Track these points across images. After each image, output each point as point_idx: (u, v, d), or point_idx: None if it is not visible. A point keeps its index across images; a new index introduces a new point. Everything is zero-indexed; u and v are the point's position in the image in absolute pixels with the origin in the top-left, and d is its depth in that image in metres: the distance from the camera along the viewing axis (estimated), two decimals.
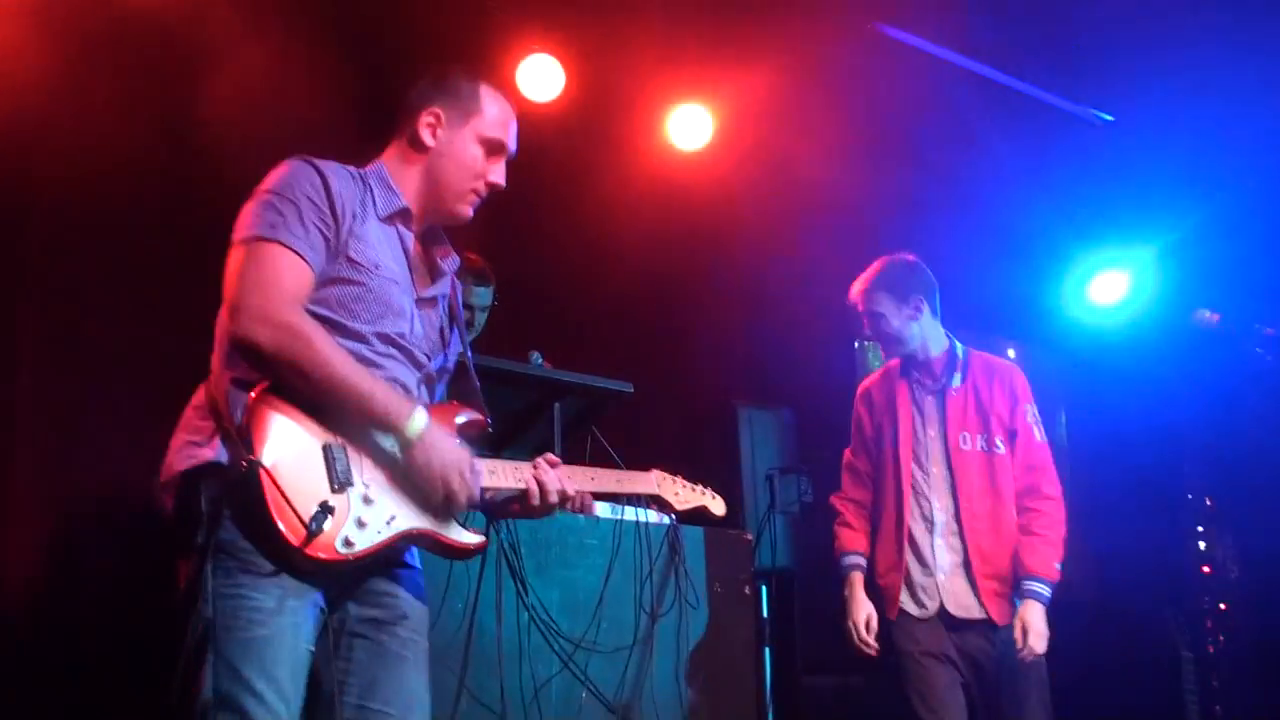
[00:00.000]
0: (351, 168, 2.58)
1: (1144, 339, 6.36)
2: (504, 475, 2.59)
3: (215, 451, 2.28)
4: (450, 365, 2.78)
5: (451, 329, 2.77)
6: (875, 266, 4.09)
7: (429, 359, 2.64)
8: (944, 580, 3.83)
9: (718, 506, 3.13)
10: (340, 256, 2.45)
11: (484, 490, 2.54)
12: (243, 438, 2.23)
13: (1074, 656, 4.42)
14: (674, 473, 3.07)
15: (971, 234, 6.78)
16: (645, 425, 4.99)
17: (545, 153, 5.89)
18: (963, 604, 3.82)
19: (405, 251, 2.61)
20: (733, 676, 3.88)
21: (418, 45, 5.26)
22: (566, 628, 3.53)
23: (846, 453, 4.15)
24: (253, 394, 2.28)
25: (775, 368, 6.73)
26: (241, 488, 2.21)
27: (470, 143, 2.65)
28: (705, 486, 3.11)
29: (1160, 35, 5.33)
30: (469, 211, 2.70)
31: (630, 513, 3.75)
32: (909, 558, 3.88)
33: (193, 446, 2.31)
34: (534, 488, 2.60)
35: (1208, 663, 6.48)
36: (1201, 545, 6.86)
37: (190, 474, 2.28)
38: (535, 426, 3.93)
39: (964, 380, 3.97)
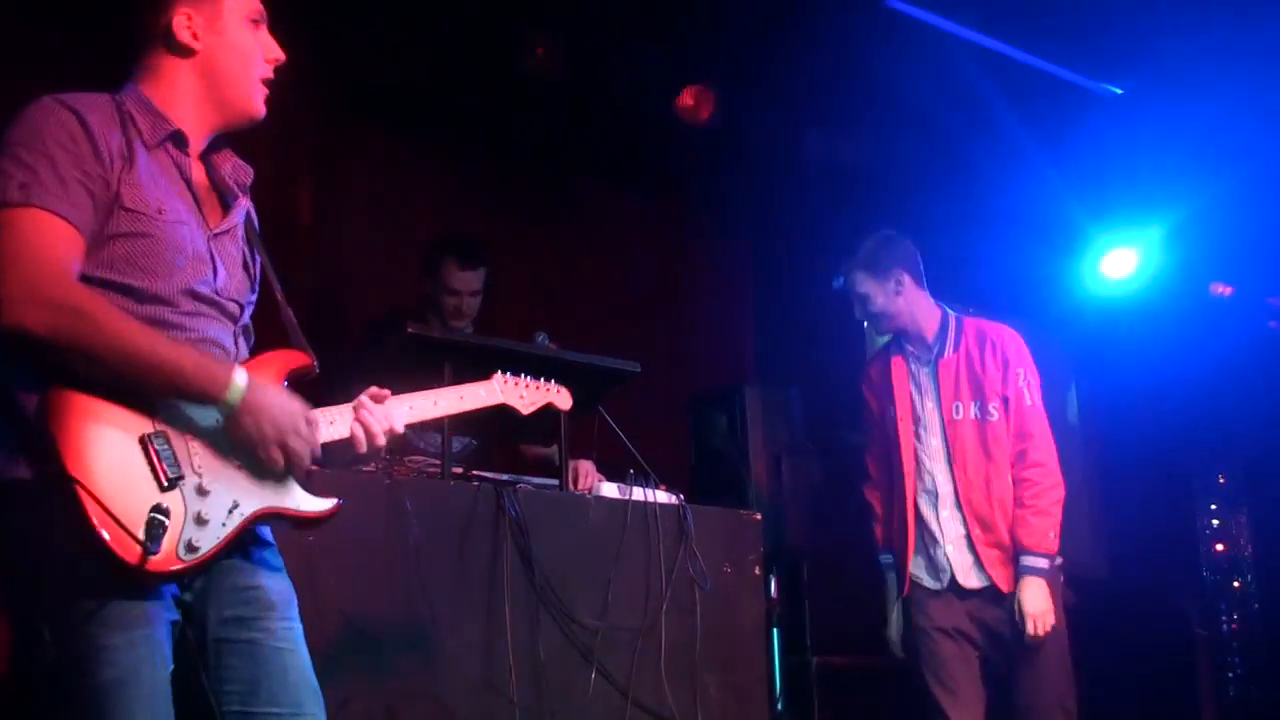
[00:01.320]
0: (107, 96, 2.21)
1: (1156, 314, 6.32)
2: (342, 423, 2.30)
3: (18, 467, 1.95)
4: (253, 299, 2.41)
5: (254, 259, 2.40)
6: (859, 248, 4.09)
7: (241, 306, 2.31)
8: (951, 552, 3.83)
9: (563, 400, 2.93)
10: (115, 208, 2.10)
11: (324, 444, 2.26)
12: (47, 445, 1.91)
13: (1086, 634, 4.38)
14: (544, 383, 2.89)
15: (981, 210, 6.74)
16: (652, 405, 4.95)
17: (547, 130, 5.86)
18: (970, 574, 3.83)
19: (187, 182, 2.25)
20: (742, 657, 3.85)
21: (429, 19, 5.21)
22: (575, 610, 3.49)
23: (867, 448, 4.19)
24: (50, 390, 1.95)
25: (784, 347, 6.71)
26: (56, 507, 1.89)
27: (238, 27, 2.29)
28: (549, 380, 2.90)
29: (1172, 6, 5.27)
30: (262, 107, 2.32)
31: (638, 493, 3.71)
32: (918, 532, 3.90)
33: None
34: (359, 433, 2.30)
35: (1221, 640, 6.45)
36: (1215, 522, 6.84)
37: None
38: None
39: (956, 349, 3.96)
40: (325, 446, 2.26)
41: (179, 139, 2.26)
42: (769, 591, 4.41)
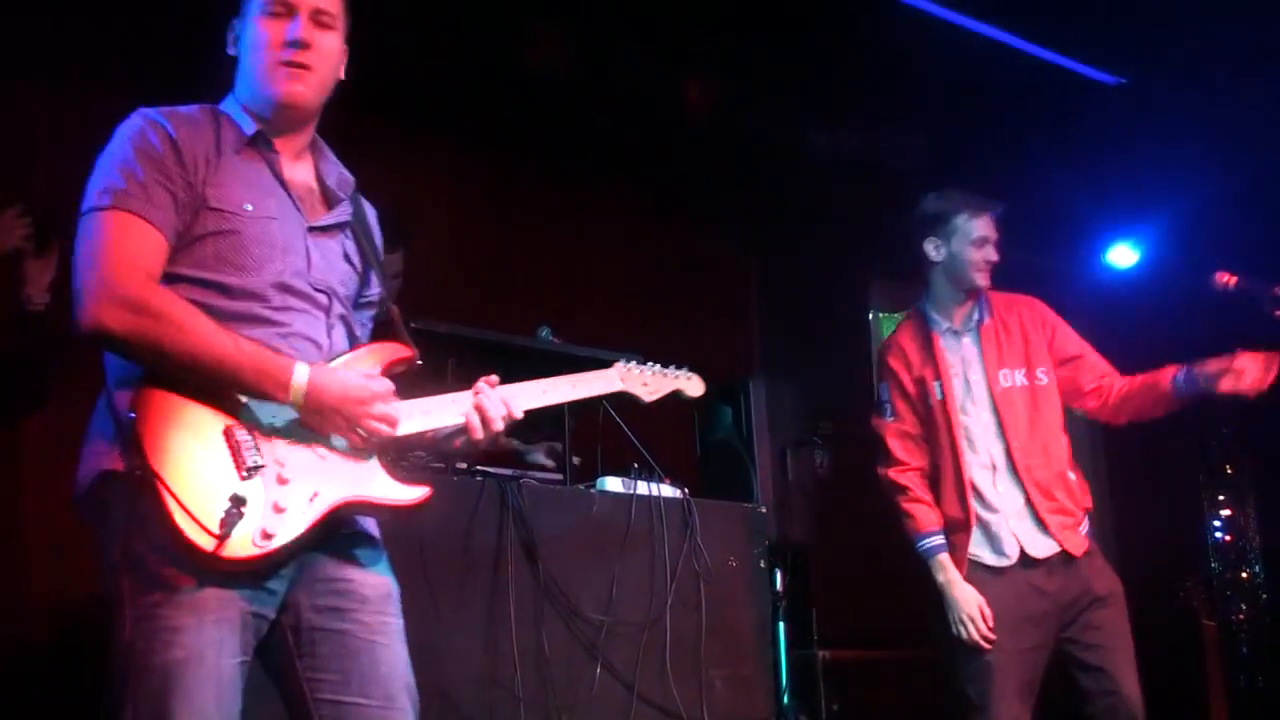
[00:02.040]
0: (204, 107, 2.34)
1: (1161, 304, 6.30)
2: (441, 412, 2.35)
3: (113, 459, 2.08)
4: (374, 295, 2.54)
5: (364, 256, 2.49)
6: (973, 195, 3.96)
7: (337, 297, 2.38)
8: (1014, 523, 3.65)
9: (694, 387, 2.88)
10: (202, 209, 2.20)
11: (424, 433, 2.34)
12: (134, 440, 2.02)
13: None
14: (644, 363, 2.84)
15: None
16: (657, 400, 4.94)
17: (551, 124, 5.84)
18: (1037, 543, 3.64)
19: (280, 179, 2.34)
20: (748, 651, 3.85)
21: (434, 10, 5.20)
22: (581, 604, 3.49)
23: (885, 423, 3.87)
24: (141, 388, 2.07)
25: (789, 341, 6.70)
26: (143, 496, 2.01)
27: (254, 25, 2.33)
28: (679, 367, 2.87)
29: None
30: (288, 85, 2.32)
31: (643, 487, 3.71)
32: (976, 508, 3.69)
33: (95, 457, 2.12)
34: (474, 420, 2.36)
35: (1230, 631, 6.44)
36: (1223, 513, 6.82)
37: (95, 486, 2.11)
38: None
39: (992, 316, 3.85)
40: (437, 433, 2.36)
41: (260, 139, 2.34)
42: (774, 585, 4.39)
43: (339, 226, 2.43)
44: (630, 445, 3.74)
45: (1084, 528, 3.69)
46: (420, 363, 2.43)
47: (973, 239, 3.82)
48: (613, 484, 3.71)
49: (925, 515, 3.75)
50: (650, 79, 5.83)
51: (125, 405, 2.07)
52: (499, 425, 2.38)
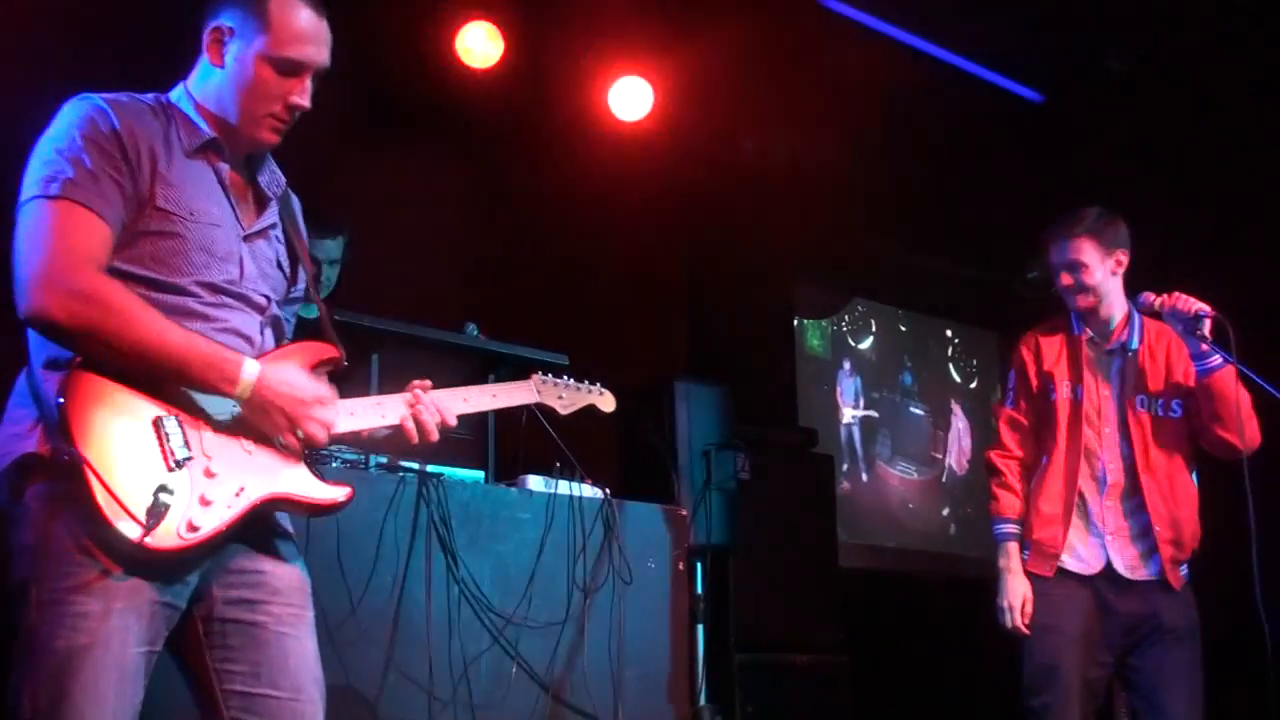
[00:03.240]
0: (151, 97, 2.32)
1: None
2: (366, 415, 2.37)
3: (36, 443, 2.06)
4: (299, 292, 2.53)
5: (291, 258, 2.49)
6: (1082, 214, 3.83)
7: (270, 299, 2.39)
8: (1110, 541, 3.66)
9: (607, 403, 2.93)
10: (148, 207, 2.19)
11: (353, 434, 2.36)
12: (62, 425, 2.00)
13: None
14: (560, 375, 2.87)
15: (919, 212, 6.80)
16: None
17: (483, 121, 5.82)
18: (1133, 566, 3.66)
19: (223, 186, 2.33)
20: (665, 652, 3.85)
21: (354, 13, 5.15)
22: (498, 602, 3.48)
23: (1005, 409, 3.93)
24: (70, 373, 2.05)
25: (712, 343, 6.72)
26: (66, 481, 2.00)
27: (259, 64, 2.30)
28: (593, 383, 2.90)
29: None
30: (271, 136, 2.36)
31: (564, 486, 3.70)
32: (1077, 517, 3.70)
33: (14, 439, 2.09)
34: (411, 427, 2.39)
35: None
36: None
37: (12, 469, 2.08)
38: None
39: (1141, 342, 3.85)
40: (372, 437, 2.39)
41: (215, 146, 2.33)
42: (694, 587, 4.40)
43: (269, 228, 2.44)
44: (553, 444, 3.73)
45: (1185, 568, 3.71)
46: (345, 361, 2.43)
47: (1056, 269, 3.86)
48: (534, 483, 3.70)
49: (1009, 502, 3.81)
50: (582, 78, 5.84)
51: (53, 389, 2.05)
52: (435, 435, 2.42)
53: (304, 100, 2.36)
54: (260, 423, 2.20)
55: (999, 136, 6.33)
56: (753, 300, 6.96)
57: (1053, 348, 3.88)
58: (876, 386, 7.79)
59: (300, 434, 2.23)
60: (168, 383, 2.12)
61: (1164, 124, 6.05)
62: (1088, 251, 3.78)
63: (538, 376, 2.79)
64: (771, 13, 5.46)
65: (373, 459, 3.42)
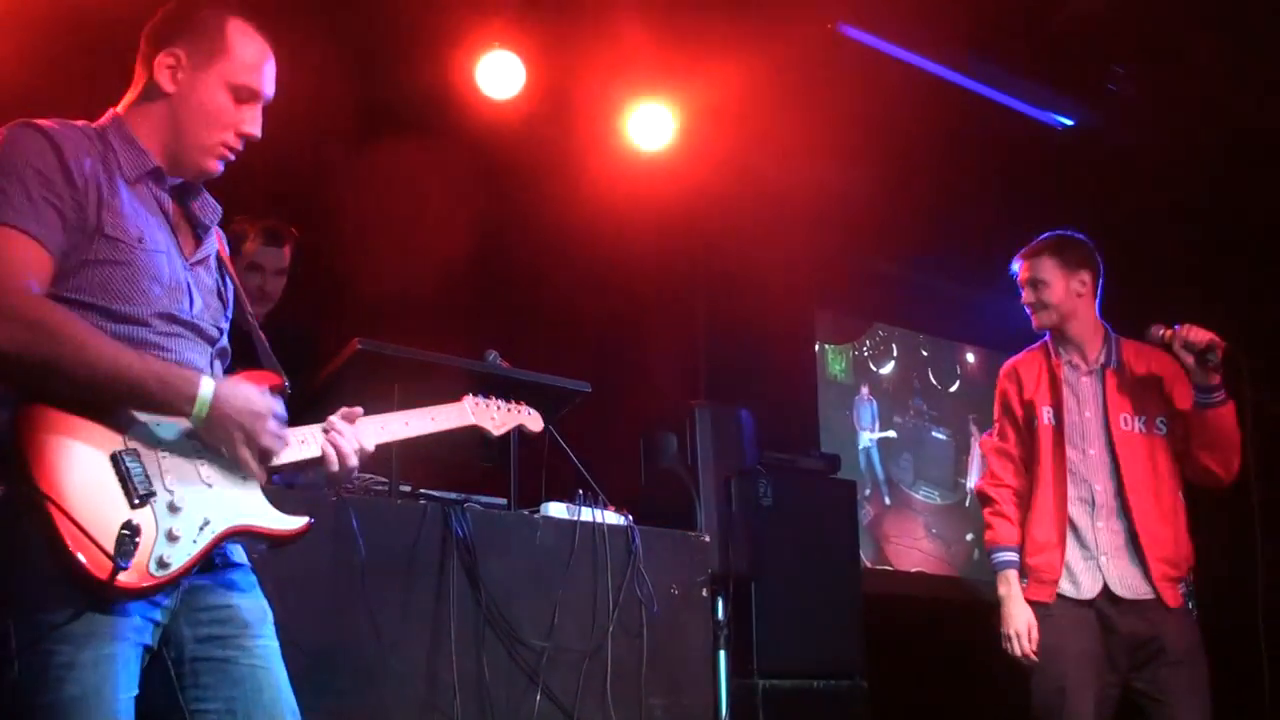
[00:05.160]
0: (86, 125, 2.25)
1: None
2: (313, 443, 2.33)
3: None
4: (227, 320, 2.45)
5: (226, 286, 2.45)
6: (1046, 236, 3.94)
7: (221, 330, 2.36)
8: (1105, 562, 3.67)
9: (534, 423, 2.94)
10: (95, 235, 2.13)
11: (295, 463, 2.31)
12: (19, 463, 1.92)
13: None
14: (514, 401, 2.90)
15: (939, 238, 6.80)
16: (602, 425, 4.95)
17: (504, 149, 5.86)
18: (1130, 585, 3.66)
19: (164, 214, 2.29)
20: (689, 680, 3.84)
21: (375, 41, 5.20)
22: (522, 630, 3.48)
23: (991, 438, 3.98)
24: (21, 407, 1.97)
25: (734, 369, 6.72)
26: (27, 524, 1.91)
27: (217, 90, 2.29)
28: (519, 403, 2.92)
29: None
30: (217, 166, 2.34)
31: (587, 513, 3.70)
32: (1070, 540, 3.72)
33: None
34: (329, 453, 2.32)
35: None
36: None
37: None
38: None
39: (1120, 361, 3.86)
40: (299, 465, 2.31)
41: (157, 175, 2.29)
42: (717, 614, 4.40)
43: (208, 256, 2.41)
44: (575, 471, 3.74)
45: (1183, 585, 3.71)
46: (289, 388, 2.38)
47: (1021, 286, 3.94)
48: (557, 510, 3.71)
49: (1004, 529, 3.83)
50: (599, 105, 5.87)
51: (4, 424, 1.97)
52: (353, 460, 2.36)
53: (255, 129, 2.35)
54: (217, 439, 2.15)
55: (1020, 162, 6.33)
56: (774, 326, 6.96)
57: (1032, 375, 3.92)
58: (898, 410, 7.77)
59: (255, 449, 2.17)
60: (123, 408, 2.06)
61: (1183, 150, 6.05)
62: (1048, 269, 3.86)
63: (469, 398, 2.77)
64: (791, 41, 5.48)
65: (399, 487, 3.44)
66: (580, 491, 3.74)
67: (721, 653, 4.49)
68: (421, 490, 3.58)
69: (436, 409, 2.67)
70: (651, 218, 6.34)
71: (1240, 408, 3.64)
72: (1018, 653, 3.69)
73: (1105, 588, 3.67)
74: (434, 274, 5.72)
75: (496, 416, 2.83)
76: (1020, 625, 3.70)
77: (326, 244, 5.09)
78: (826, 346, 7.50)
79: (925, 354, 8.04)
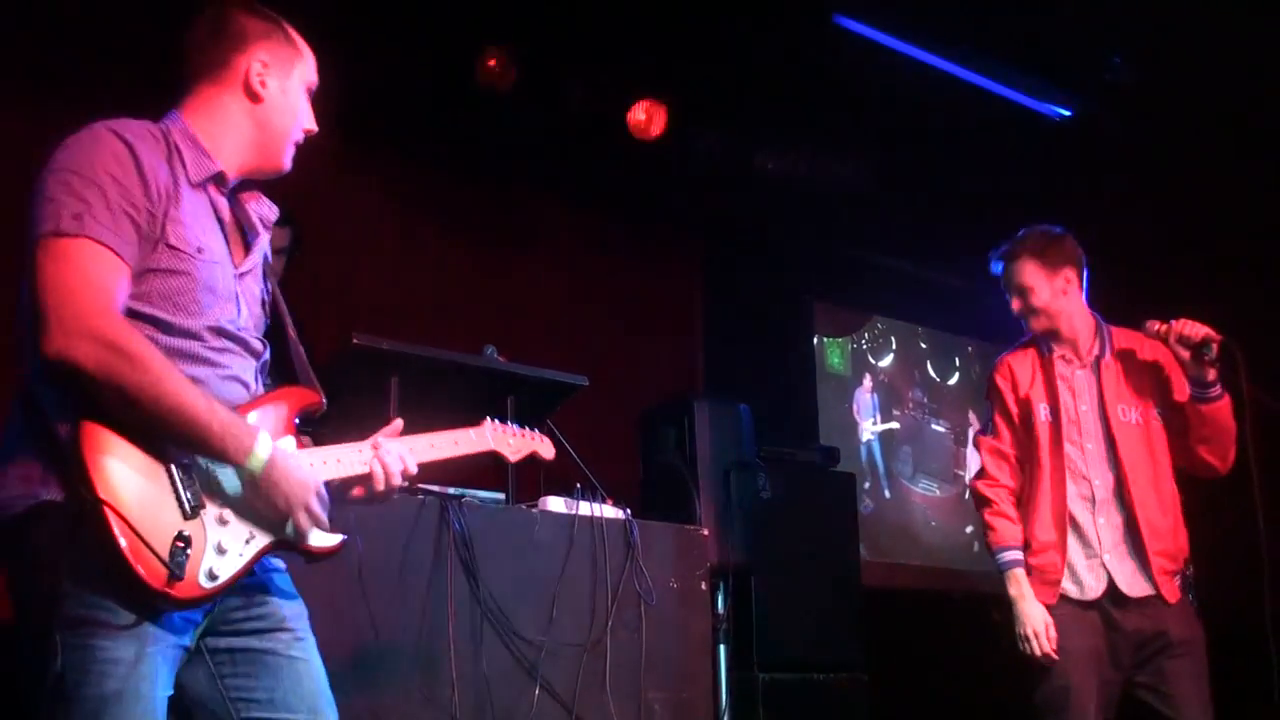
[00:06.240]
0: (155, 127, 2.24)
1: None
2: (349, 462, 2.36)
3: (48, 489, 2.00)
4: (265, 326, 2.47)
5: (268, 295, 2.46)
6: (1022, 236, 3.85)
7: (264, 344, 2.37)
8: (1109, 559, 3.62)
9: (546, 449, 2.98)
10: (159, 244, 2.14)
11: (329, 482, 2.32)
12: (79, 470, 1.96)
13: None
14: (522, 425, 2.93)
15: (937, 230, 6.79)
16: (601, 419, 4.95)
17: (498, 143, 5.84)
18: (1131, 581, 3.62)
19: (219, 220, 2.30)
20: (688, 674, 3.84)
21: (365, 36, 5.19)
22: (520, 624, 3.47)
23: (987, 439, 3.91)
24: (86, 417, 2.00)
25: (734, 363, 6.72)
26: (86, 529, 1.96)
27: (299, 91, 2.39)
28: (533, 429, 2.97)
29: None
30: (288, 164, 2.41)
31: (585, 507, 3.70)
32: (1072, 539, 3.67)
33: (22, 483, 2.02)
34: (377, 470, 2.37)
35: None
36: None
37: (23, 515, 2.01)
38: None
39: (1113, 352, 3.83)
40: (340, 483, 2.35)
41: (221, 179, 2.30)
42: (716, 607, 4.39)
43: (257, 264, 2.42)
44: (573, 465, 3.73)
45: (1179, 578, 3.68)
46: (325, 406, 2.42)
47: (1005, 293, 3.89)
48: (555, 504, 3.70)
49: (1006, 529, 3.76)
50: (597, 101, 5.86)
51: (67, 433, 2.00)
52: (398, 481, 2.40)
53: (315, 124, 2.43)
54: (258, 500, 2.17)
55: (1019, 153, 6.32)
56: (772, 319, 6.95)
57: (1026, 371, 3.86)
58: (897, 404, 7.77)
59: (296, 524, 2.21)
60: (177, 445, 2.09)
61: (1182, 141, 6.04)
62: (1030, 274, 3.78)
63: (489, 423, 2.82)
64: (789, 32, 5.47)
65: None
66: (578, 485, 3.73)
67: (721, 646, 4.49)
68: (419, 485, 3.57)
69: (459, 433, 2.72)
70: (649, 209, 6.34)
71: (1238, 401, 3.62)
72: (1037, 653, 3.62)
73: (1109, 587, 3.64)
74: (431, 267, 5.73)
75: (513, 442, 2.88)
76: (1037, 624, 3.63)
77: None
78: (825, 339, 7.50)
79: (924, 346, 8.03)
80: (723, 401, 5.06)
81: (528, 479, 3.83)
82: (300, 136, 2.42)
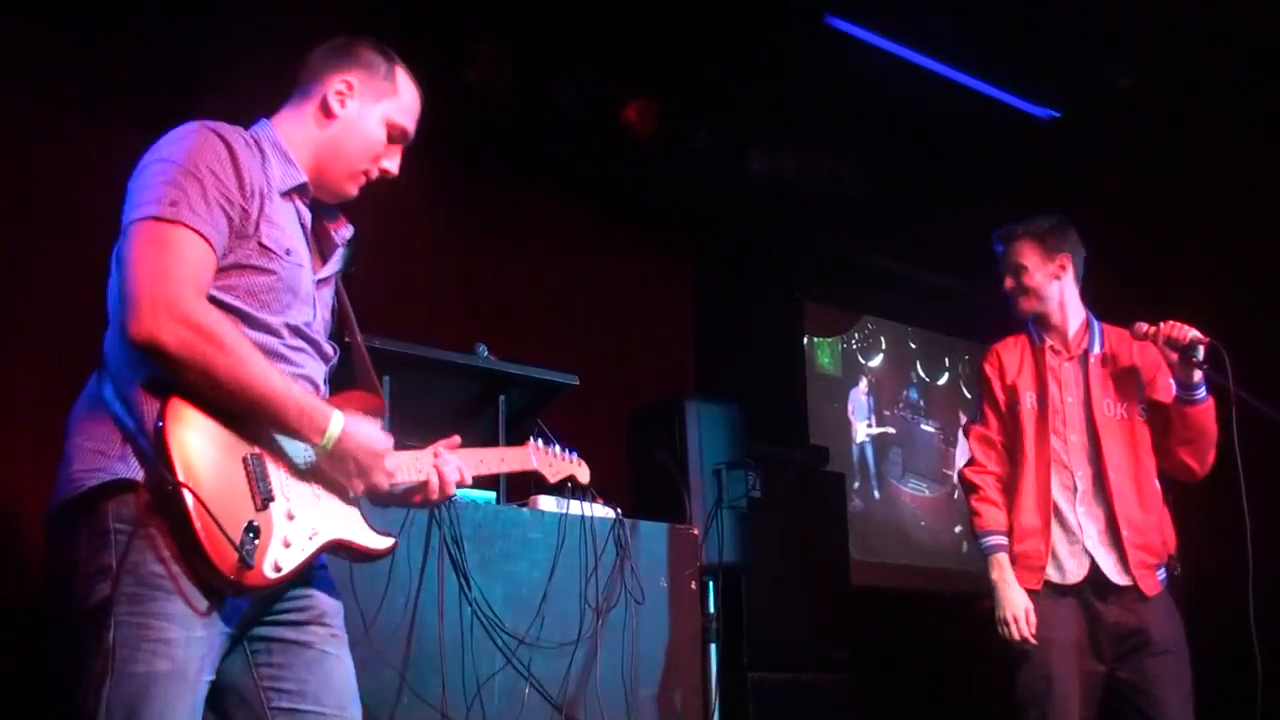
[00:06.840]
0: (244, 130, 2.36)
1: None
2: (407, 469, 2.46)
3: (127, 466, 2.07)
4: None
5: (337, 304, 2.58)
6: (1027, 220, 3.92)
7: (334, 350, 2.48)
8: (1092, 547, 3.66)
9: (583, 473, 3.10)
10: (250, 241, 2.24)
11: (394, 484, 2.43)
12: (161, 452, 2.03)
13: None
14: (549, 443, 3.04)
15: (927, 230, 6.80)
16: (591, 418, 4.95)
17: (489, 141, 5.84)
18: (1114, 570, 3.65)
19: (304, 229, 2.41)
20: (679, 673, 3.85)
21: None
22: (510, 623, 3.48)
23: (975, 427, 3.96)
24: (169, 400, 2.07)
25: (724, 362, 6.73)
26: (163, 509, 2.03)
27: (378, 122, 2.47)
28: (572, 453, 3.07)
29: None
30: (355, 191, 2.51)
31: (576, 506, 3.70)
32: (1055, 526, 3.71)
33: (98, 457, 2.09)
34: (434, 479, 2.49)
35: None
36: None
37: (97, 489, 2.07)
38: (480, 419, 3.88)
39: (1102, 348, 3.86)
40: (397, 487, 2.45)
41: (304, 190, 2.41)
42: (706, 606, 4.40)
43: (331, 277, 2.51)
44: None
45: (1161, 572, 3.70)
46: (385, 404, 2.52)
47: (1000, 273, 3.94)
48: (545, 503, 3.70)
49: (991, 514, 3.81)
50: (590, 100, 5.86)
51: (153, 413, 2.07)
52: (452, 490, 2.51)
53: (395, 168, 2.53)
54: (334, 470, 2.29)
55: (1009, 154, 6.33)
56: (763, 319, 6.96)
57: (1015, 360, 3.91)
58: (888, 404, 7.78)
59: (367, 482, 2.33)
60: (258, 423, 2.17)
61: (1173, 141, 6.06)
62: (1028, 254, 3.85)
63: (533, 444, 2.94)
64: (781, 32, 5.47)
65: None
66: (569, 485, 3.73)
67: (711, 645, 4.50)
68: None
69: (506, 451, 2.88)
70: (642, 207, 6.34)
71: (1225, 403, 3.63)
72: (1016, 637, 3.65)
73: (1090, 573, 3.67)
74: (422, 266, 5.72)
75: (554, 464, 2.99)
76: (1017, 609, 3.66)
77: None
78: (815, 339, 7.50)
79: (914, 346, 8.05)
80: (713, 401, 5.07)
81: (518, 479, 3.83)
82: (374, 171, 2.50)
